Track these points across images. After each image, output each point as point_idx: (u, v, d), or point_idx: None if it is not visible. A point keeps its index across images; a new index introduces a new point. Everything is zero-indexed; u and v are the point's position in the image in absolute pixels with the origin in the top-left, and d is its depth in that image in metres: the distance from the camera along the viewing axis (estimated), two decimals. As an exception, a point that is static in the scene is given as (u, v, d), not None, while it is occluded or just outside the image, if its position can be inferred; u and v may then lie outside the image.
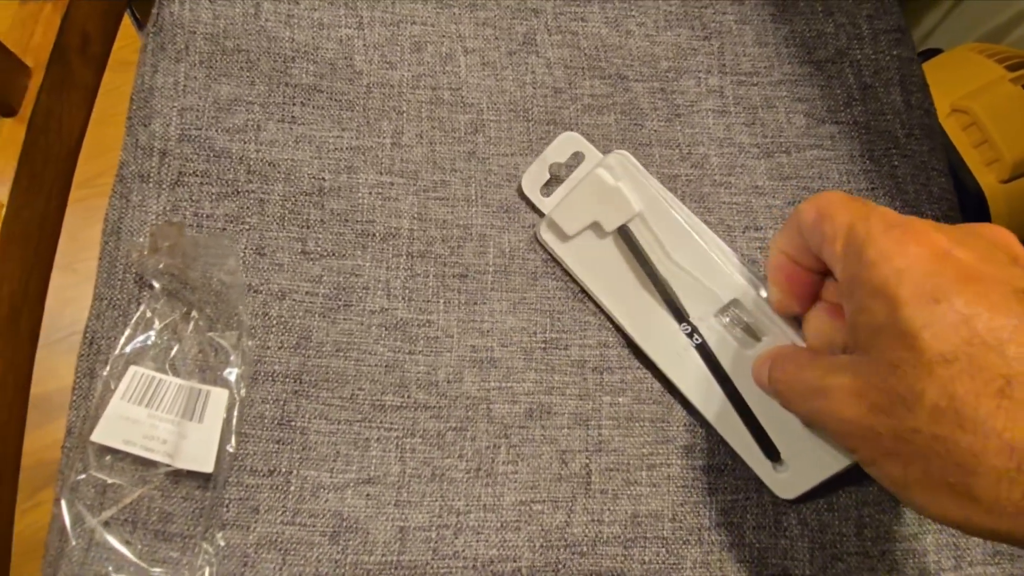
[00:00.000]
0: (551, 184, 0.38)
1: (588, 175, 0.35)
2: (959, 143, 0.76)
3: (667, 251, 0.34)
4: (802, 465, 0.32)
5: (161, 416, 0.30)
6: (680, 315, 0.34)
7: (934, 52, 0.85)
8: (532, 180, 0.37)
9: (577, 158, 0.37)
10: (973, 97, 0.75)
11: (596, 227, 0.35)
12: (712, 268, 0.33)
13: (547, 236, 0.36)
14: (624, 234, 0.34)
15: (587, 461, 0.34)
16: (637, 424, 0.35)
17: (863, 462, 0.25)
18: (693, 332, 0.34)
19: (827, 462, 0.31)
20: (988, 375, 0.20)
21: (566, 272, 0.37)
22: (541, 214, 0.37)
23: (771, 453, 0.33)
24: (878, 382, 0.23)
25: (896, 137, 0.41)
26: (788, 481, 0.33)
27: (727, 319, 0.34)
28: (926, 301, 0.22)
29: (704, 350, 0.33)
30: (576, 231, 0.35)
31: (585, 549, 0.33)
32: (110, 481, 0.30)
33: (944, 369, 0.21)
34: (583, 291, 0.36)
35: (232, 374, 0.31)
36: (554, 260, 0.37)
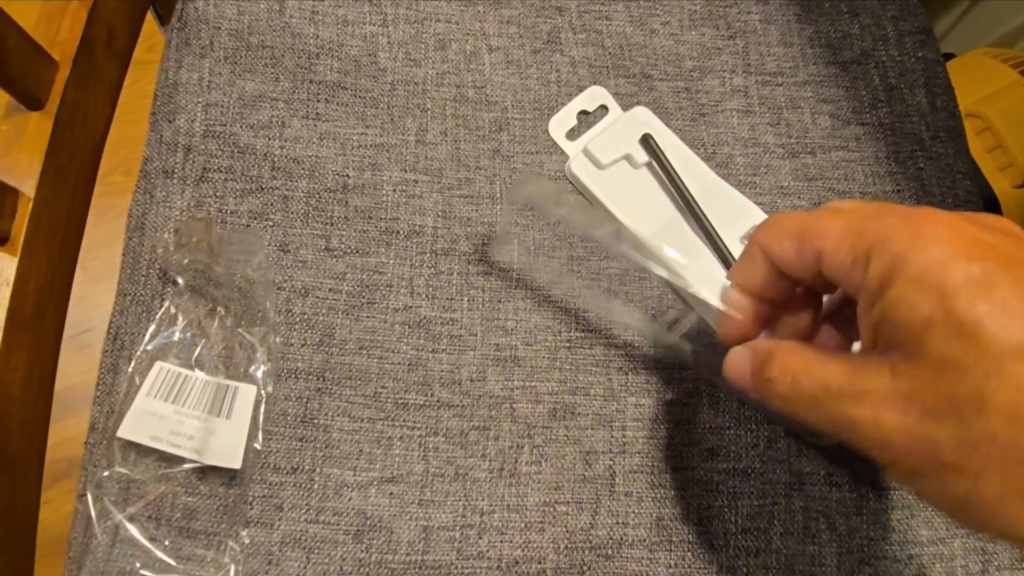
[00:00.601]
0: (575, 132, 0.40)
1: (623, 114, 0.39)
2: (972, 148, 0.75)
3: (691, 187, 0.36)
4: None
5: (188, 412, 0.30)
6: (711, 236, 0.35)
7: (947, 56, 0.85)
8: (559, 124, 0.39)
9: (601, 112, 0.40)
10: (987, 102, 0.74)
11: (628, 159, 0.38)
12: (732, 201, 0.37)
13: (579, 169, 0.38)
14: (655, 155, 0.37)
15: (611, 463, 0.34)
16: (662, 426, 0.35)
17: (904, 477, 0.22)
18: (726, 253, 0.35)
19: None
20: None
21: (593, 205, 0.38)
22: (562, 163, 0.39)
23: None
24: (930, 383, 0.20)
25: (921, 139, 0.41)
26: None
27: None
28: (981, 288, 0.19)
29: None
30: (610, 160, 0.37)
31: (610, 552, 0.32)
32: (135, 476, 0.30)
33: (1017, 364, 0.19)
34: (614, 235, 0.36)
35: (259, 370, 0.31)
36: (582, 194, 0.38)
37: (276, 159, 0.37)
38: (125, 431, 0.29)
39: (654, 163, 0.37)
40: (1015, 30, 0.82)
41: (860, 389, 0.22)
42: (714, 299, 0.34)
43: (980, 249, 0.20)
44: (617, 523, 0.33)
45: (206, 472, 0.31)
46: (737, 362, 0.27)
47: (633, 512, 0.33)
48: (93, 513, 0.29)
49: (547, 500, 0.33)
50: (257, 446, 0.31)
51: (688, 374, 0.35)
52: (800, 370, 0.24)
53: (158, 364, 0.31)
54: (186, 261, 0.32)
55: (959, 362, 0.19)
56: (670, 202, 0.37)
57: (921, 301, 0.20)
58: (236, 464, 0.29)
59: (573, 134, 0.39)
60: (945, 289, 0.20)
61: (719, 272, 0.35)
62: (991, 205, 0.73)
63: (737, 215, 0.37)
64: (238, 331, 0.31)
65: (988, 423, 0.19)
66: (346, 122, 0.38)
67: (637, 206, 0.37)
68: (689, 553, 0.33)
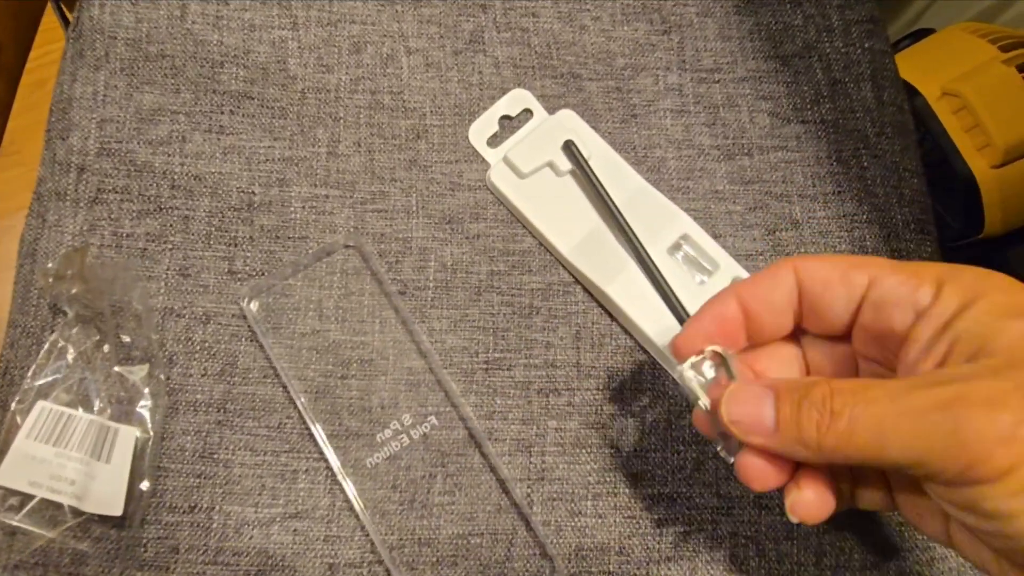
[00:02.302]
0: (496, 139, 0.38)
1: (548, 119, 0.37)
2: (950, 128, 0.73)
3: (616, 196, 0.35)
4: None
5: (70, 455, 0.28)
6: (635, 248, 0.34)
7: (926, 32, 0.82)
8: (480, 130, 0.37)
9: (525, 117, 0.38)
10: (964, 80, 0.72)
11: (552, 167, 0.36)
12: (661, 208, 0.35)
13: (499, 178, 0.36)
14: (577, 162, 0.35)
15: (529, 490, 0.32)
16: (584, 451, 0.33)
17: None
18: (650, 265, 0.33)
19: None
20: None
21: (515, 216, 0.36)
22: (483, 170, 0.37)
23: None
24: None
25: (866, 136, 0.39)
26: None
27: (680, 255, 0.35)
28: None
29: (660, 283, 0.33)
30: (531, 169, 0.35)
31: (526, 585, 0.31)
32: (19, 524, 0.28)
33: None
34: (533, 241, 0.36)
35: (145, 408, 0.29)
36: (503, 204, 0.36)
37: (176, 177, 0.35)
38: (3, 478, 0.28)
39: (577, 171, 0.35)
40: (995, 5, 0.80)
41: (961, 395, 0.19)
42: (639, 317, 0.32)
43: None
44: (534, 555, 0.31)
45: (95, 517, 0.29)
46: (748, 404, 0.22)
47: (552, 543, 0.32)
48: (-31, 565, 0.27)
49: (461, 532, 0.32)
50: (144, 488, 0.29)
51: (613, 394, 0.34)
52: (857, 398, 0.20)
53: (40, 404, 0.29)
54: (74, 291, 0.31)
55: None
56: (594, 212, 0.35)
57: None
58: (116, 511, 0.28)
59: (495, 141, 0.37)
60: None
61: (644, 287, 0.33)
62: (969, 186, 0.70)
63: (664, 223, 0.35)
64: (118, 369, 0.29)
65: None
66: (252, 135, 0.36)
67: (560, 217, 0.35)
68: (610, 584, 0.31)
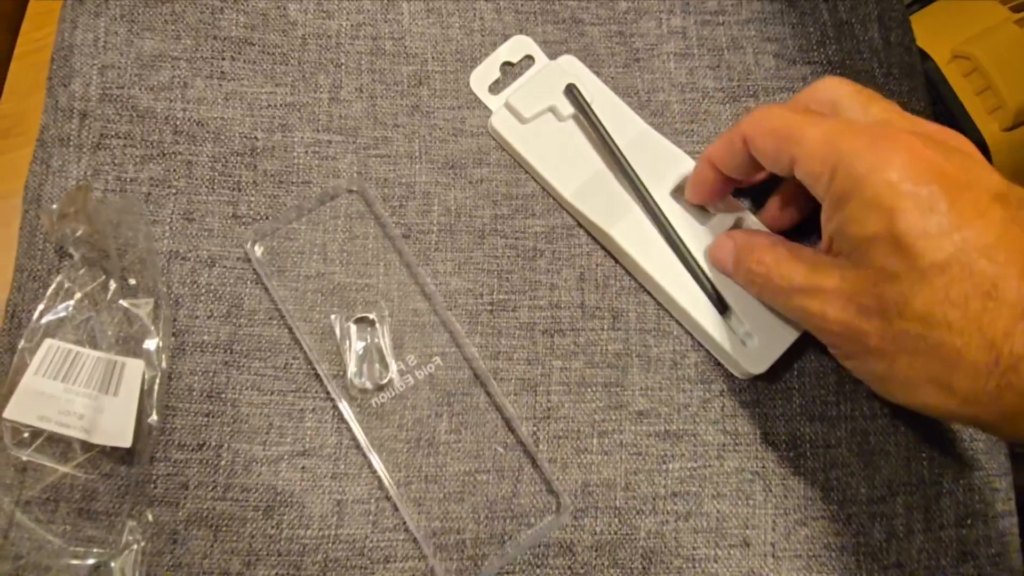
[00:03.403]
0: (498, 86, 0.37)
1: (549, 64, 0.36)
2: (960, 91, 0.72)
3: (619, 139, 0.34)
4: (767, 339, 0.31)
5: (78, 390, 0.29)
6: (638, 190, 0.33)
7: (936, -7, 0.81)
8: (481, 77, 0.37)
9: (526, 63, 0.37)
10: (975, 42, 0.70)
11: (553, 112, 0.35)
12: (663, 151, 0.35)
13: (501, 124, 0.36)
14: (579, 106, 0.35)
15: (535, 429, 0.32)
16: (589, 389, 0.33)
17: (842, 357, 0.27)
18: (654, 207, 0.33)
19: (789, 332, 0.31)
20: (978, 279, 0.22)
21: (518, 161, 0.36)
22: (486, 116, 0.37)
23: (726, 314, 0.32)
24: (869, 287, 0.24)
25: (874, 77, 0.39)
26: (756, 355, 0.31)
27: (683, 199, 0.34)
28: (922, 211, 0.23)
29: (664, 222, 0.33)
30: (533, 114, 0.35)
31: (532, 520, 0.31)
32: (29, 460, 0.29)
33: (939, 277, 0.22)
34: (534, 184, 0.36)
35: (152, 344, 0.30)
36: (505, 150, 0.36)
37: (178, 122, 0.35)
38: (12, 412, 0.28)
39: (579, 114, 0.35)
40: (1008, -36, 0.78)
41: (815, 286, 0.26)
42: (642, 258, 0.32)
43: (931, 174, 0.23)
44: (540, 491, 0.32)
45: (105, 452, 0.30)
46: (721, 249, 0.31)
47: (557, 479, 0.32)
48: (-17, 499, 0.28)
49: (467, 469, 0.32)
50: (152, 422, 0.29)
51: (617, 334, 0.34)
52: (772, 265, 0.28)
53: (47, 341, 0.29)
54: (79, 233, 0.31)
55: (893, 272, 0.23)
56: (597, 156, 0.35)
57: (871, 219, 0.24)
58: (125, 443, 0.28)
59: (496, 87, 0.37)
60: (892, 210, 0.23)
61: (648, 228, 0.33)
62: (980, 149, 0.70)
63: (667, 166, 0.35)
64: (123, 303, 0.30)
65: (906, 322, 0.23)
66: (253, 81, 0.36)
67: (563, 161, 0.35)
68: (616, 519, 0.32)
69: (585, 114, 0.35)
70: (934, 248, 0.22)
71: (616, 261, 0.35)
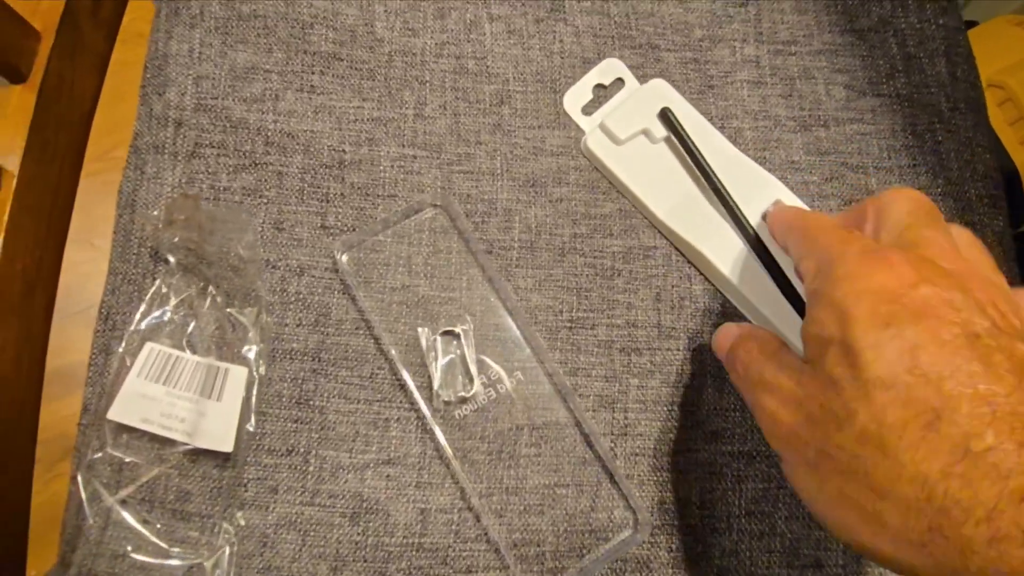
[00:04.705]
0: (590, 107, 0.38)
1: (640, 87, 0.38)
2: (994, 120, 0.72)
3: (711, 162, 0.35)
4: None
5: (179, 394, 0.29)
6: (732, 211, 0.34)
7: (970, 24, 0.82)
8: (575, 98, 0.38)
9: (617, 86, 0.38)
10: (1010, 72, 0.72)
11: (646, 134, 0.37)
12: (753, 175, 0.36)
13: (596, 144, 0.37)
14: (674, 129, 0.36)
15: (612, 445, 0.33)
16: (665, 408, 0.34)
17: (784, 465, 0.25)
18: (747, 228, 0.34)
19: None
20: (920, 407, 0.20)
21: (610, 181, 0.37)
22: (578, 137, 0.38)
23: None
24: (817, 394, 0.23)
25: (940, 111, 0.40)
26: None
27: None
28: (877, 324, 0.22)
29: (758, 243, 0.34)
30: (628, 136, 0.36)
31: (610, 535, 0.32)
32: (127, 459, 0.30)
33: (881, 394, 0.21)
34: (628, 207, 0.37)
35: (251, 351, 0.30)
36: (599, 170, 0.37)
37: (270, 134, 0.36)
38: (115, 413, 0.29)
39: (673, 138, 0.36)
40: (1040, -3, 0.79)
41: (775, 384, 0.25)
42: (736, 277, 0.33)
43: (903, 295, 0.22)
44: (618, 506, 0.32)
45: (199, 454, 0.30)
46: (722, 336, 0.30)
47: (635, 495, 0.32)
48: (84, 496, 0.28)
49: (547, 483, 0.32)
50: (250, 428, 0.30)
51: (693, 354, 0.34)
52: (755, 357, 0.27)
53: (148, 345, 0.30)
54: (177, 239, 0.32)
55: (839, 382, 0.22)
56: (688, 177, 0.36)
57: (830, 321, 0.23)
58: (228, 447, 0.29)
59: (588, 108, 0.38)
60: (849, 316, 0.22)
61: (739, 248, 0.34)
62: (1012, 179, 0.71)
63: (758, 189, 0.35)
64: (229, 311, 0.30)
65: (843, 437, 0.22)
66: (342, 95, 0.37)
67: (655, 182, 0.36)
68: (691, 537, 0.32)
69: (680, 137, 0.36)
70: (880, 362, 0.21)
71: (691, 282, 0.35)
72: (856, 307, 0.22)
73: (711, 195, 0.35)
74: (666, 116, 0.36)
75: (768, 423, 0.25)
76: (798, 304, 0.33)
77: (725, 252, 0.34)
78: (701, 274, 0.36)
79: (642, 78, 0.38)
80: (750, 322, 0.35)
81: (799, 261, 0.27)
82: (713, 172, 0.35)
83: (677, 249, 0.36)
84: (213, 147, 0.35)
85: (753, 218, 0.34)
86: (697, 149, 0.35)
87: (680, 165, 0.36)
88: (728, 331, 0.30)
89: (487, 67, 0.38)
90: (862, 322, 0.22)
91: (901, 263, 0.23)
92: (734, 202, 0.34)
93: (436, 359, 0.33)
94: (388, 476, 0.32)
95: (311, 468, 0.32)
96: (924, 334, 0.21)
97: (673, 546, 0.32)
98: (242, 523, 0.30)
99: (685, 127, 0.36)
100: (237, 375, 0.29)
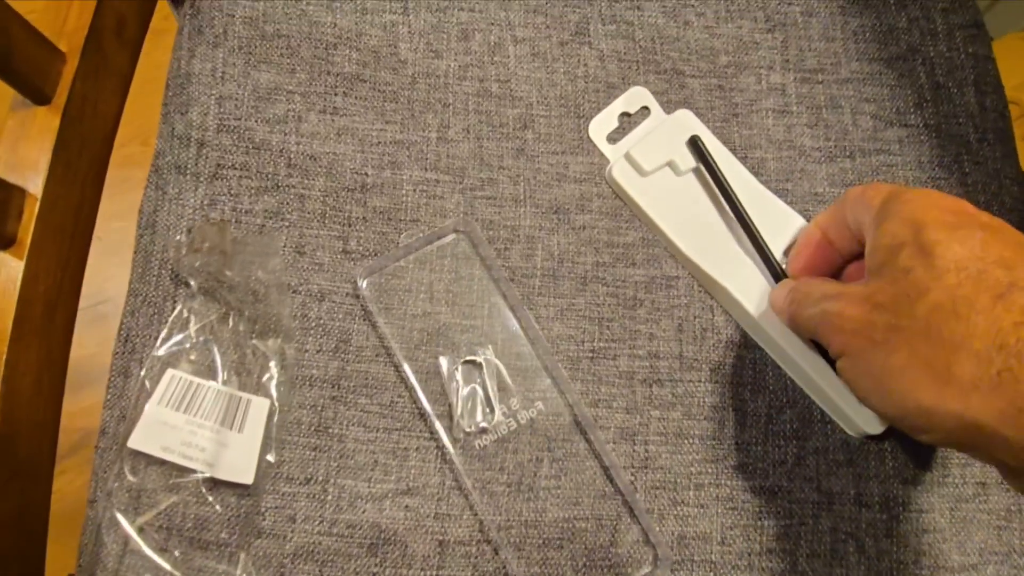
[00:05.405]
0: (615, 135, 0.38)
1: (667, 119, 0.37)
2: (1010, 137, 0.72)
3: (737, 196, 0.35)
4: None
5: (200, 423, 0.29)
6: (759, 245, 0.34)
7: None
8: (600, 126, 0.38)
9: (642, 114, 0.38)
10: (1023, 88, 0.71)
11: (671, 166, 0.36)
12: (777, 211, 0.36)
13: (621, 174, 0.36)
14: (703, 160, 0.36)
15: (633, 478, 0.33)
16: (686, 441, 0.34)
17: (845, 360, 0.27)
18: (773, 263, 0.34)
19: None
20: (992, 282, 0.23)
21: (634, 212, 0.37)
22: (602, 164, 0.38)
23: None
24: (887, 286, 0.26)
25: (968, 142, 0.39)
26: (873, 415, 0.32)
27: None
28: (949, 227, 0.25)
29: (783, 278, 0.33)
30: (653, 167, 0.36)
31: (630, 570, 0.32)
32: (146, 486, 0.29)
33: (954, 276, 0.24)
34: (650, 238, 0.37)
35: (272, 381, 0.30)
36: (623, 201, 0.37)
37: (292, 156, 0.36)
38: (136, 441, 0.29)
39: (702, 168, 0.36)
40: (1055, 13, 0.79)
41: (840, 292, 0.28)
42: (758, 312, 0.33)
43: (966, 215, 0.26)
44: (637, 541, 0.32)
45: (218, 483, 0.30)
46: (778, 294, 0.33)
47: (655, 530, 0.32)
48: (102, 522, 0.28)
49: (566, 516, 0.32)
50: (270, 459, 0.30)
51: (715, 386, 0.34)
52: (815, 284, 0.30)
53: (170, 372, 0.30)
54: (198, 263, 0.31)
55: (913, 270, 0.25)
56: (714, 211, 0.36)
57: (902, 231, 0.26)
58: (248, 480, 0.29)
59: (614, 136, 0.38)
60: (922, 223, 0.25)
61: (762, 283, 0.34)
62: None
63: (780, 224, 0.35)
64: (251, 340, 0.30)
65: (915, 311, 0.24)
66: (365, 117, 0.37)
67: (680, 215, 0.36)
68: (711, 573, 0.32)
69: (709, 168, 0.35)
70: (953, 251, 0.24)
71: (713, 313, 0.35)
72: (928, 214, 0.25)
73: (736, 230, 0.35)
74: (695, 145, 0.35)
75: (836, 321, 0.27)
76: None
77: (750, 288, 0.34)
78: (723, 309, 0.35)
79: (667, 104, 0.38)
80: (768, 353, 0.34)
81: (862, 195, 0.29)
82: (741, 204, 0.34)
83: (699, 284, 0.36)
84: (235, 168, 0.35)
85: (776, 253, 0.34)
86: (726, 180, 0.35)
87: (705, 198, 0.36)
88: (785, 284, 0.33)
89: (511, 90, 0.38)
90: (934, 224, 0.25)
91: (961, 201, 0.26)
92: (761, 237, 0.34)
93: (457, 388, 0.33)
94: (407, 507, 0.32)
95: (329, 497, 0.31)
96: (991, 236, 0.24)
97: (693, 583, 0.32)
98: (259, 553, 0.30)
99: (714, 153, 0.35)
100: (259, 407, 0.29)
